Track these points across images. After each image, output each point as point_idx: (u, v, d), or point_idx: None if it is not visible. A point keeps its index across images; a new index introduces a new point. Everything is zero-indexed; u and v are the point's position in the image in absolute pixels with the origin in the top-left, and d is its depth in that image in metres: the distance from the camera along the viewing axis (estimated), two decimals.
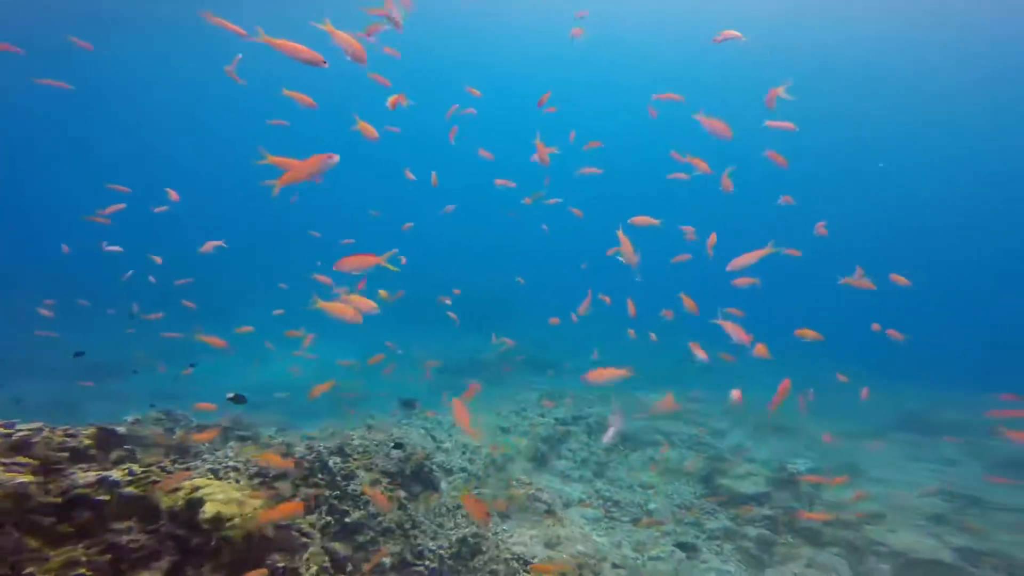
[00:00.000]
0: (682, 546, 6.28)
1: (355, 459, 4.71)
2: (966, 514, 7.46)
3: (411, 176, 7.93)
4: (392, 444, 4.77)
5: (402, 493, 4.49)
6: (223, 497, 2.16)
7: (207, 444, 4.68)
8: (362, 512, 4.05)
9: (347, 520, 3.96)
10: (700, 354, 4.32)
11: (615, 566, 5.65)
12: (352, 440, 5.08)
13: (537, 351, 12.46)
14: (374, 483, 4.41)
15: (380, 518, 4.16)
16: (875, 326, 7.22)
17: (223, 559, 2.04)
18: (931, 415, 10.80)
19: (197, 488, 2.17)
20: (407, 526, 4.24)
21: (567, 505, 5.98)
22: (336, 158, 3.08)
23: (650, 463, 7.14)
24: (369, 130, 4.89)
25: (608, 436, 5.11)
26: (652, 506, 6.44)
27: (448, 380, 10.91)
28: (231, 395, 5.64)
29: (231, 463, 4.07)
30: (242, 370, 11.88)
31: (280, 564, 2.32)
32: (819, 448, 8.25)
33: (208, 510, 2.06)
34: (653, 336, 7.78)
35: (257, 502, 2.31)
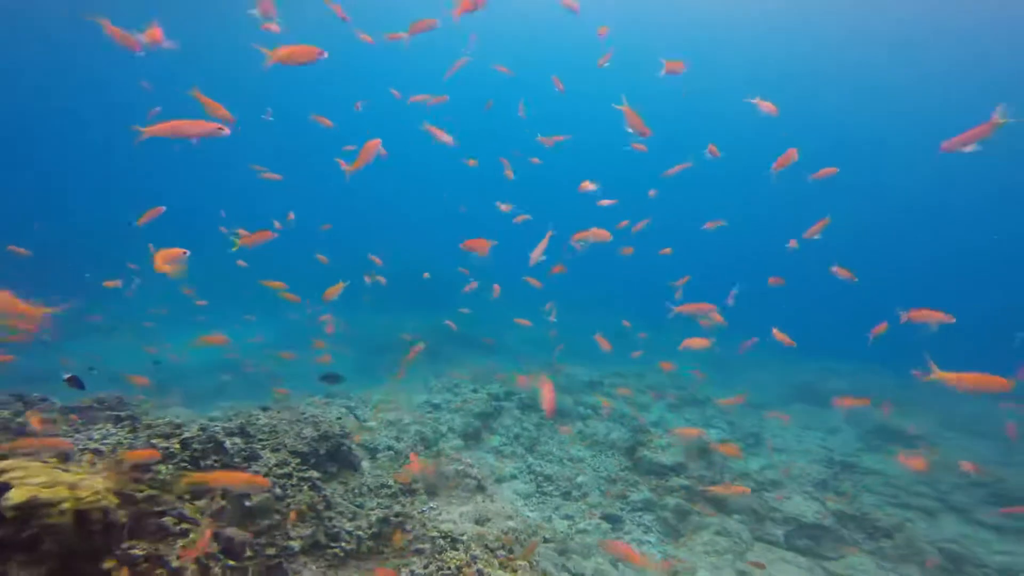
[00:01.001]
0: (608, 518, 6.33)
1: (259, 439, 4.06)
2: (842, 479, 8.34)
3: (438, 131, 7.19)
4: (305, 422, 4.18)
5: (315, 473, 3.93)
6: (43, 480, 1.56)
7: (59, 428, 3.77)
8: (267, 495, 3.46)
9: (248, 504, 3.36)
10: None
11: (546, 540, 5.51)
12: (257, 419, 4.39)
13: (475, 329, 12.11)
14: (282, 464, 3.81)
15: (288, 500, 3.60)
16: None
17: (45, 550, 1.47)
18: (820, 386, 11.99)
19: (3, 471, 1.55)
20: (320, 507, 3.72)
21: (499, 481, 5.74)
22: (227, 131, 3.05)
23: (578, 437, 7.15)
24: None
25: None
26: (581, 479, 6.41)
27: (379, 359, 10.21)
28: (68, 376, 4.74)
29: (93, 445, 3.27)
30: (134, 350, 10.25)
31: (137, 551, 1.76)
32: (728, 419, 8.79)
33: (14, 496, 1.46)
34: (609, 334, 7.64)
35: (100, 483, 1.73)
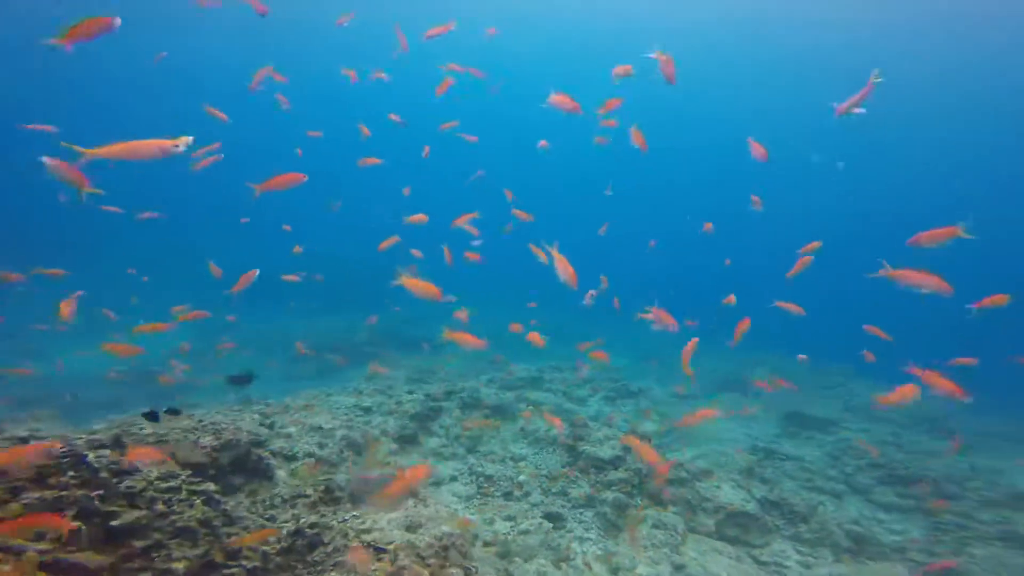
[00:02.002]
0: (549, 516, 6.04)
1: (138, 451, 3.32)
2: (763, 466, 8.71)
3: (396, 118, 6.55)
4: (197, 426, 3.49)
5: (212, 486, 3.26)
6: None
7: None
8: (144, 513, 2.77)
9: (114, 523, 2.66)
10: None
11: (486, 543, 5.09)
12: (141, 430, 3.61)
13: (409, 328, 11.47)
14: (166, 477, 3.10)
15: (173, 518, 2.92)
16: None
17: None
18: (743, 375, 12.63)
19: None
20: (216, 523, 3.06)
21: (438, 484, 5.25)
22: (181, 149, 2.65)
23: (520, 434, 6.83)
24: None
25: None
26: (522, 478, 6.08)
27: (304, 364, 9.28)
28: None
29: None
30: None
31: None
32: (662, 410, 8.92)
33: None
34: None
35: None
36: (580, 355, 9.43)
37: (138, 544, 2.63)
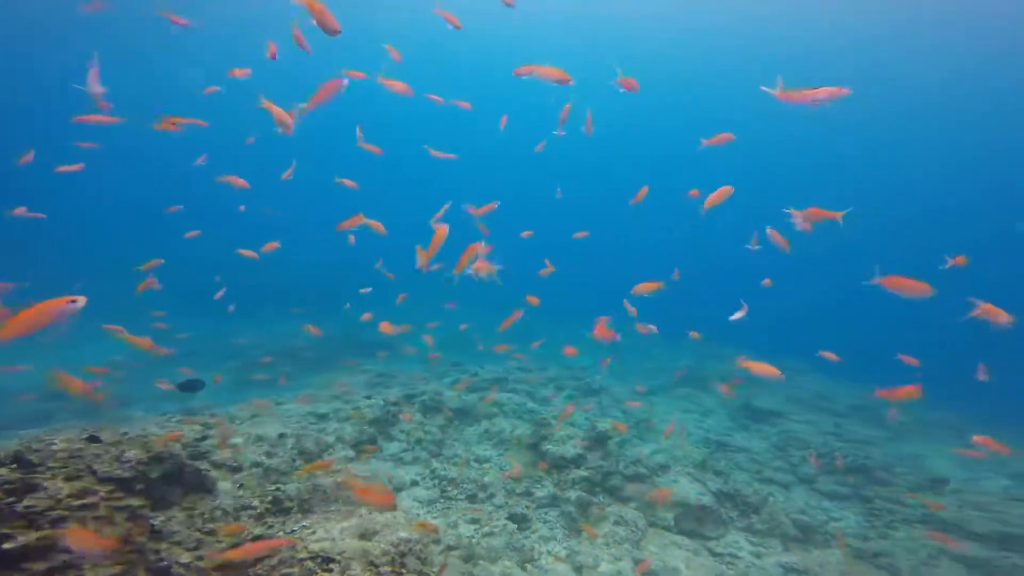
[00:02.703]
0: (514, 518, 5.89)
1: (49, 467, 2.90)
2: (717, 458, 8.93)
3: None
4: (88, 438, 3.11)
5: (137, 502, 2.90)
6: None
7: None
8: (44, 532, 2.41)
9: (5, 547, 2.28)
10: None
11: (450, 547, 4.87)
12: (50, 444, 3.18)
13: (369, 333, 11.02)
14: (80, 494, 2.72)
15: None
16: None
17: None
18: (699, 369, 12.92)
19: None
20: (141, 539, 2.71)
21: (398, 489, 4.98)
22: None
23: (484, 436, 6.66)
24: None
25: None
26: (487, 480, 5.90)
27: (255, 371, 8.69)
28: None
29: None
30: None
31: None
32: (622, 406, 8.99)
33: None
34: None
35: None
36: (548, 356, 9.40)
37: (39, 567, 2.27)
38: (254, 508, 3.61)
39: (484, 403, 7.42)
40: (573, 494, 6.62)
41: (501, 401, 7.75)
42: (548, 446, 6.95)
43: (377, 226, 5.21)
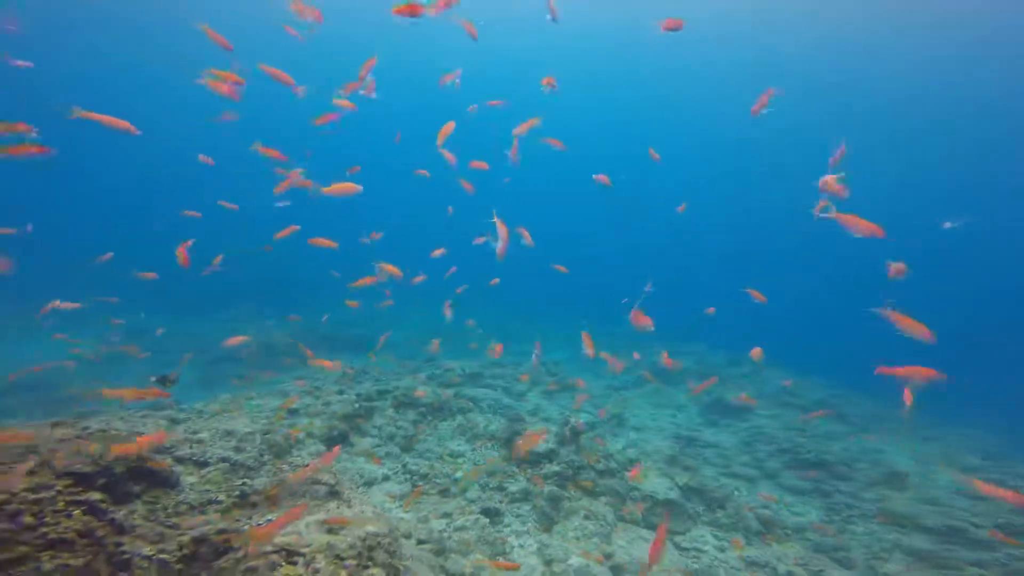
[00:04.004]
0: (487, 512, 6.03)
1: (2, 463, 2.90)
2: (686, 454, 9.26)
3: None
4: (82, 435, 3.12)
5: (97, 496, 2.92)
6: None
7: None
8: (2, 527, 2.42)
9: None
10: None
11: (420, 541, 4.98)
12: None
13: (344, 329, 11.01)
14: (36, 488, 2.73)
15: (45, 530, 2.58)
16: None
17: None
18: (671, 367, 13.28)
19: None
20: (101, 533, 2.74)
21: (369, 484, 5.05)
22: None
23: (458, 431, 6.77)
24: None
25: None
26: (459, 475, 6.03)
27: (225, 368, 8.59)
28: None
29: None
30: None
31: None
32: (593, 402, 9.23)
33: None
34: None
35: None
36: (519, 351, 9.54)
37: None
38: (220, 502, 3.65)
39: (462, 401, 7.53)
40: (546, 488, 6.81)
41: (477, 397, 7.87)
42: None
43: (327, 242, 5.43)
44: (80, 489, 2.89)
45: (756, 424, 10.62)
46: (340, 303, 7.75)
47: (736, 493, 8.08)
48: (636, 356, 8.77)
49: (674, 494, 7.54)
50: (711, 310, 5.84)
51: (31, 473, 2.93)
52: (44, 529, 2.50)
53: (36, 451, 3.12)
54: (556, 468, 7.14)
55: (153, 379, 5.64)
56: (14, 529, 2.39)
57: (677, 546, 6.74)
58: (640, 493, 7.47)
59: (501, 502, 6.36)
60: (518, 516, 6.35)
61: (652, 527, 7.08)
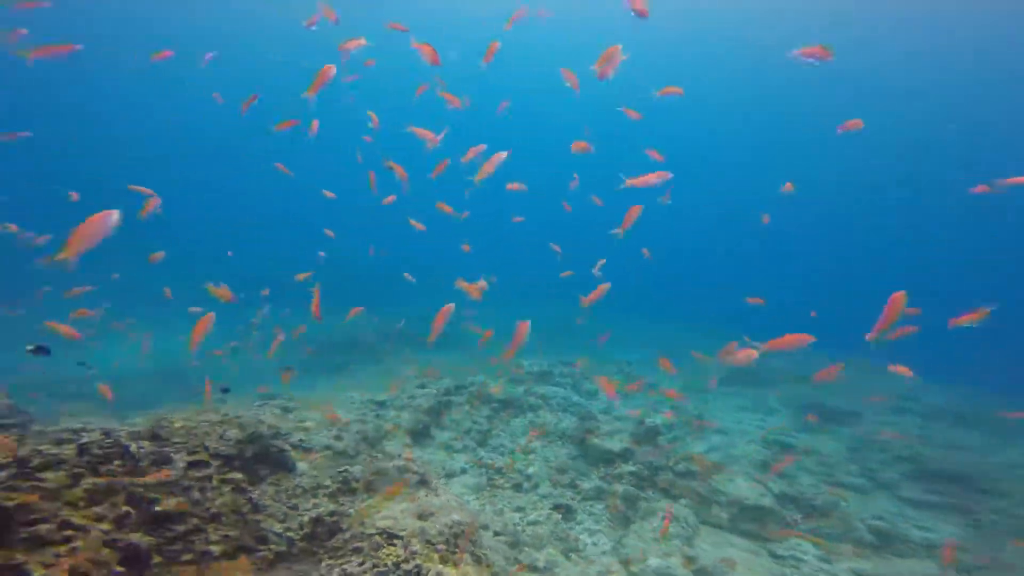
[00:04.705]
0: (559, 508, 6.34)
1: (174, 442, 3.73)
2: (780, 460, 8.74)
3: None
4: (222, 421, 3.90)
5: (239, 476, 3.65)
6: None
7: None
8: (179, 499, 3.17)
9: (157, 509, 3.06)
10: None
11: (496, 533, 5.42)
12: (172, 423, 4.04)
13: (420, 327, 11.91)
14: (199, 466, 3.51)
15: (207, 504, 3.32)
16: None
17: None
18: (751, 367, 12.49)
19: None
20: (245, 510, 3.45)
21: (449, 476, 5.60)
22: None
23: (530, 428, 7.14)
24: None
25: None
26: (531, 471, 6.39)
27: (324, 360, 9.78)
28: (31, 347, 4.52)
29: None
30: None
31: None
32: (673, 403, 9.06)
33: None
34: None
35: None
36: (589, 350, 9.65)
37: (179, 528, 3.03)
38: (327, 487, 4.32)
39: (534, 398, 7.91)
40: (620, 487, 6.94)
41: (547, 394, 8.18)
42: (593, 439, 7.29)
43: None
44: (227, 470, 3.65)
45: (866, 431, 9.70)
46: (417, 303, 8.48)
47: (843, 502, 7.54)
48: (703, 356, 8.46)
49: (766, 500, 7.26)
50: (813, 313, 5.59)
51: (191, 453, 3.75)
52: (207, 504, 3.22)
53: (194, 433, 3.97)
54: (631, 468, 7.22)
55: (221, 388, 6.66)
56: (187, 502, 3.12)
57: (772, 554, 6.53)
58: (727, 497, 7.29)
59: (573, 499, 6.62)
60: (591, 514, 6.58)
61: (741, 533, 6.90)
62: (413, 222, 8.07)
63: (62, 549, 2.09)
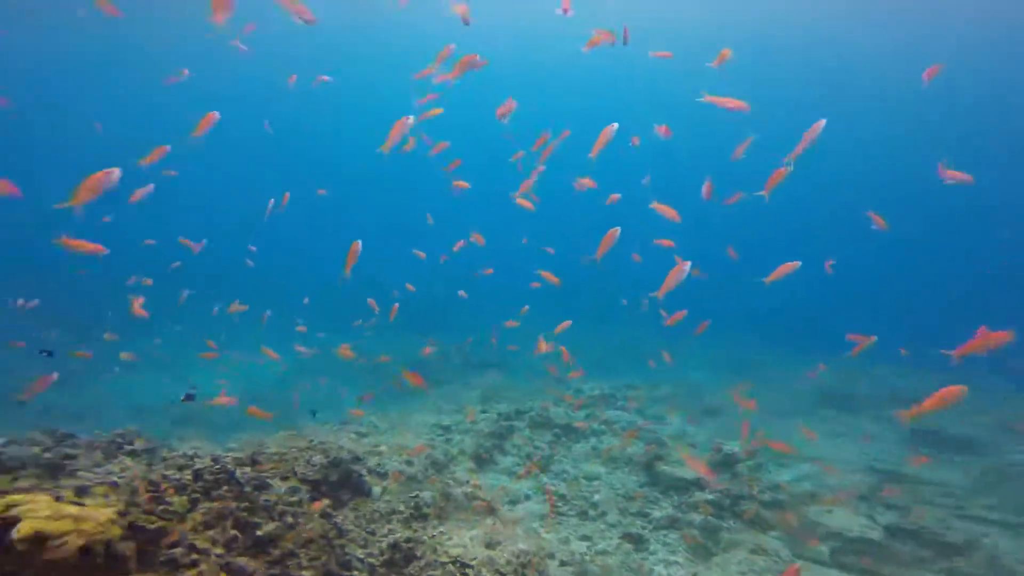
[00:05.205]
0: (629, 537, 6.23)
1: (270, 468, 4.25)
2: (891, 490, 7.87)
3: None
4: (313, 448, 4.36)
5: (326, 501, 4.07)
6: (49, 513, 1.74)
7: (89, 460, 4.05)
8: (277, 524, 3.62)
9: (259, 533, 3.51)
10: None
11: (563, 563, 5.47)
12: (267, 448, 4.59)
13: (479, 350, 12.31)
14: (292, 491, 3.96)
15: (298, 529, 3.74)
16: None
17: None
18: (846, 390, 11.40)
19: (13, 505, 1.74)
20: (331, 535, 3.84)
21: (513, 502, 5.76)
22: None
23: (593, 454, 7.10)
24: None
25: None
26: (597, 498, 6.36)
27: (382, 382, 10.43)
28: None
29: (112, 479, 3.51)
30: (159, 384, 10.74)
31: None
32: (750, 428, 8.52)
33: (22, 529, 1.64)
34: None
35: (105, 515, 1.90)
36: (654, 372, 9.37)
37: (276, 552, 3.45)
38: (401, 512, 4.65)
39: (598, 423, 7.89)
40: (697, 516, 6.67)
41: (611, 419, 8.10)
42: (663, 466, 7.09)
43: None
44: (316, 495, 4.08)
45: (1006, 461, 8.43)
46: (475, 325, 8.85)
47: (987, 539, 6.61)
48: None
49: (874, 533, 6.61)
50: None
51: (283, 479, 4.25)
52: (298, 529, 3.63)
53: (285, 459, 4.49)
54: (709, 496, 6.93)
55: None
56: (283, 526, 3.54)
57: None
58: (825, 529, 6.73)
59: (644, 528, 6.48)
60: (665, 544, 6.39)
61: (845, 568, 6.32)
62: (475, 236, 8.46)
63: (191, 573, 2.50)
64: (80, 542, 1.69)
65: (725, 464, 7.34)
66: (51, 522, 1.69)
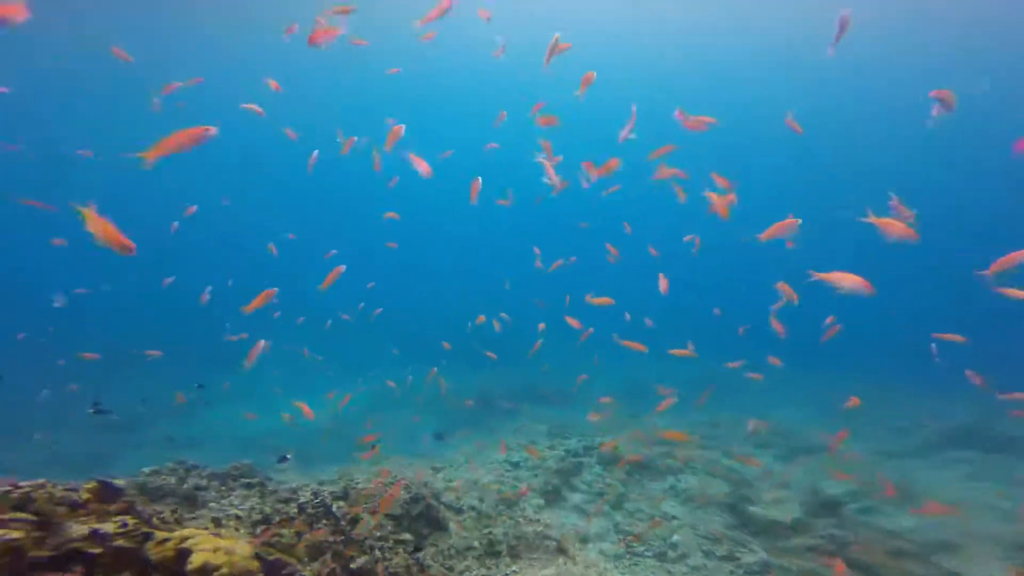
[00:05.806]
0: None
1: (360, 503, 4.80)
2: None
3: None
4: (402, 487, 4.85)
5: (408, 536, 4.53)
6: (210, 546, 2.29)
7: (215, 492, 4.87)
8: (367, 557, 4.11)
9: (352, 567, 4.02)
10: None
11: None
12: (356, 483, 5.18)
13: (543, 384, 12.51)
14: (379, 527, 4.47)
15: (386, 563, 4.21)
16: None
17: None
18: (986, 429, 9.94)
19: (186, 538, 2.31)
20: (414, 571, 4.26)
21: (585, 541, 5.84)
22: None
23: (669, 492, 6.91)
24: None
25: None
26: (676, 539, 6.21)
27: (463, 417, 10.97)
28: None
29: (234, 511, 4.22)
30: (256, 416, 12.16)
31: None
32: (855, 469, 7.79)
33: (196, 560, 2.19)
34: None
35: (247, 550, 2.43)
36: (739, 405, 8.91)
37: None
38: (475, 548, 4.99)
39: (675, 460, 7.71)
40: (795, 563, 6.27)
41: (691, 457, 7.86)
42: (752, 508, 6.76)
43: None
44: (399, 530, 4.55)
45: None
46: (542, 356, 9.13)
47: None
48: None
49: None
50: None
51: (372, 513, 4.78)
52: (385, 563, 4.09)
53: (373, 495, 5.04)
54: (809, 541, 6.48)
55: (432, 435, 7.84)
56: (373, 560, 4.02)
57: None
58: None
59: (733, 573, 6.19)
60: None
61: None
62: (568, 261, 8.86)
63: None
64: (234, 573, 2.22)
65: (827, 506, 6.82)
66: (213, 555, 2.24)
